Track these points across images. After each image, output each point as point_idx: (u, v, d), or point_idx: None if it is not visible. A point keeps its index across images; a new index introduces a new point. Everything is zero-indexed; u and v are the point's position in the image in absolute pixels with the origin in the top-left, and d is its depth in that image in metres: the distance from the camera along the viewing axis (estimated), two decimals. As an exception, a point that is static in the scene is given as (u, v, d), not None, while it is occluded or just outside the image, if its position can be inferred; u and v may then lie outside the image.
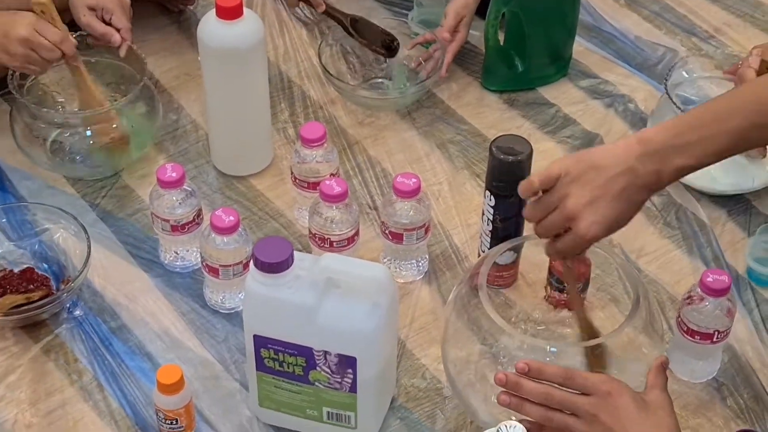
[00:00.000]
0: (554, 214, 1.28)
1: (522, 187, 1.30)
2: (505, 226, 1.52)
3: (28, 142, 1.73)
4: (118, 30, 1.72)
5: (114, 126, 1.73)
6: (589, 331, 1.38)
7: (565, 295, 1.50)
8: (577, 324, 1.40)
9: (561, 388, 1.21)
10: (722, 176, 1.69)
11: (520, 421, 1.21)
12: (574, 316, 1.42)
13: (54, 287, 1.57)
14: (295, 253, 1.30)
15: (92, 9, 1.73)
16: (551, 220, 1.29)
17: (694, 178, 1.68)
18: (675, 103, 1.70)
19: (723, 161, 1.31)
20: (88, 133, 1.73)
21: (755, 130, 1.25)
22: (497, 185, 1.51)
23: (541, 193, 1.30)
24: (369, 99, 1.86)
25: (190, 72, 1.92)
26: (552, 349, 1.30)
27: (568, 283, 1.41)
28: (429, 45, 1.89)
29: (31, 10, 1.63)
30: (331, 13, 1.92)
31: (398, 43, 1.90)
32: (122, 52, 1.73)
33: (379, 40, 1.90)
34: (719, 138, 1.25)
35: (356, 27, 1.90)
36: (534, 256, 1.53)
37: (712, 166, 1.30)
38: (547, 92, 1.91)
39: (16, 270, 1.57)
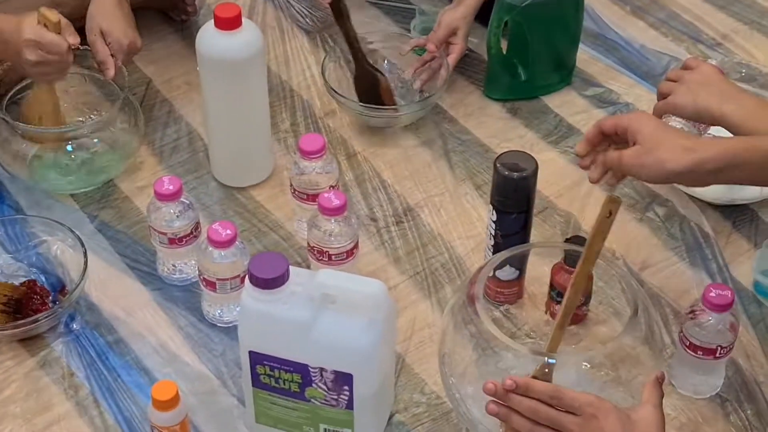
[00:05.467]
0: (611, 154, 1.39)
1: (592, 130, 1.42)
2: (506, 242, 1.50)
3: (9, 157, 1.71)
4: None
5: (95, 141, 1.73)
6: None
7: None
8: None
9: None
10: (727, 186, 1.67)
11: (509, 430, 1.20)
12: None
13: (51, 300, 1.56)
14: (291, 268, 1.29)
15: (103, 34, 1.72)
16: (609, 155, 1.39)
17: (699, 189, 1.66)
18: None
19: None
20: (69, 148, 1.72)
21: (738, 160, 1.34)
22: (500, 200, 1.49)
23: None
24: (372, 117, 1.82)
25: (190, 81, 1.91)
26: (550, 360, 1.28)
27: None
28: (423, 51, 1.86)
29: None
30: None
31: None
32: (106, 76, 1.73)
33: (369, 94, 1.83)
34: (721, 144, 1.35)
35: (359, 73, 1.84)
36: (537, 270, 1.52)
37: None
38: (551, 101, 1.90)
39: (16, 283, 1.57)
